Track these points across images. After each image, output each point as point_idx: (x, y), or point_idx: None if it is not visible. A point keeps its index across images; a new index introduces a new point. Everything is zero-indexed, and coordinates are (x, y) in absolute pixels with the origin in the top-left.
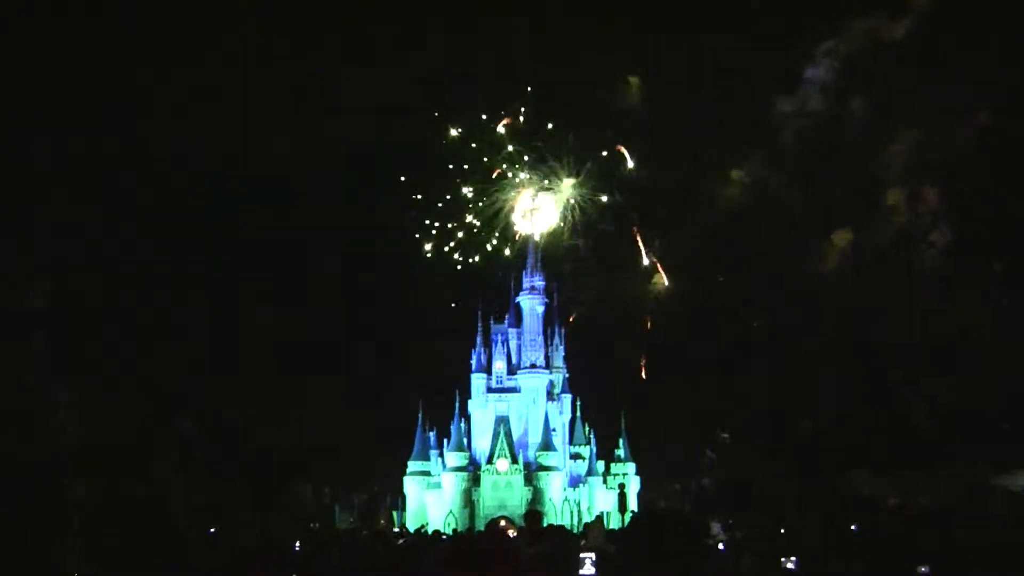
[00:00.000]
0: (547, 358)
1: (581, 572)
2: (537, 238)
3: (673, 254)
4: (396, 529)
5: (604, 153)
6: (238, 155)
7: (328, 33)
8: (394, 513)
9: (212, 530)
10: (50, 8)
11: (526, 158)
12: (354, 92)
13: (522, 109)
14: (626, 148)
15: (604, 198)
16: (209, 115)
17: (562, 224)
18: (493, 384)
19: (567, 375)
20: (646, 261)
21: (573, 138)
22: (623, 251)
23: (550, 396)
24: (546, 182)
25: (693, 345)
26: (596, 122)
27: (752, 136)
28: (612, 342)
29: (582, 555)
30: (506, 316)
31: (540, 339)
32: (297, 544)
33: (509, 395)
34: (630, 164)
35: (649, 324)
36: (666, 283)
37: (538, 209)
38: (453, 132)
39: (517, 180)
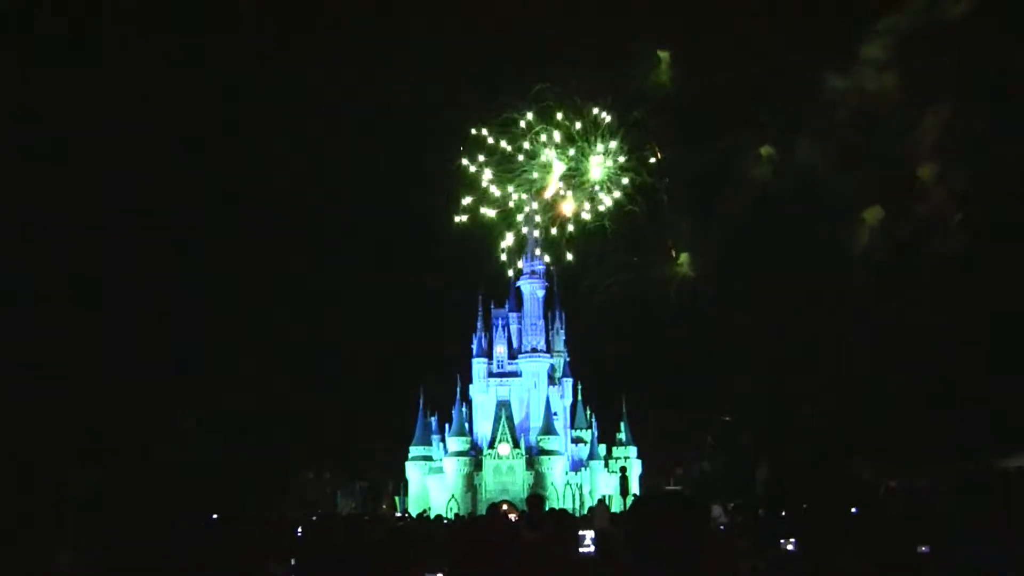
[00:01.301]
0: (548, 342)
1: (581, 550)
2: (558, 216)
3: (699, 239)
4: (398, 514)
5: (631, 130)
6: (239, 153)
7: (335, 26)
8: (396, 498)
9: (214, 517)
10: (50, 8)
11: (553, 137)
12: (359, 81)
13: (545, 88)
14: (654, 126)
15: (632, 178)
16: (213, 111)
17: (587, 205)
18: (494, 369)
19: (568, 359)
20: (671, 246)
21: (601, 117)
22: (649, 234)
23: (551, 380)
24: (570, 157)
25: (700, 330)
26: (624, 100)
27: (786, 113)
28: (629, 326)
29: (581, 532)
30: (506, 301)
31: (541, 323)
32: (299, 530)
33: (510, 379)
34: (658, 155)
35: (670, 310)
36: (691, 272)
37: (541, 193)
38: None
39: (543, 161)
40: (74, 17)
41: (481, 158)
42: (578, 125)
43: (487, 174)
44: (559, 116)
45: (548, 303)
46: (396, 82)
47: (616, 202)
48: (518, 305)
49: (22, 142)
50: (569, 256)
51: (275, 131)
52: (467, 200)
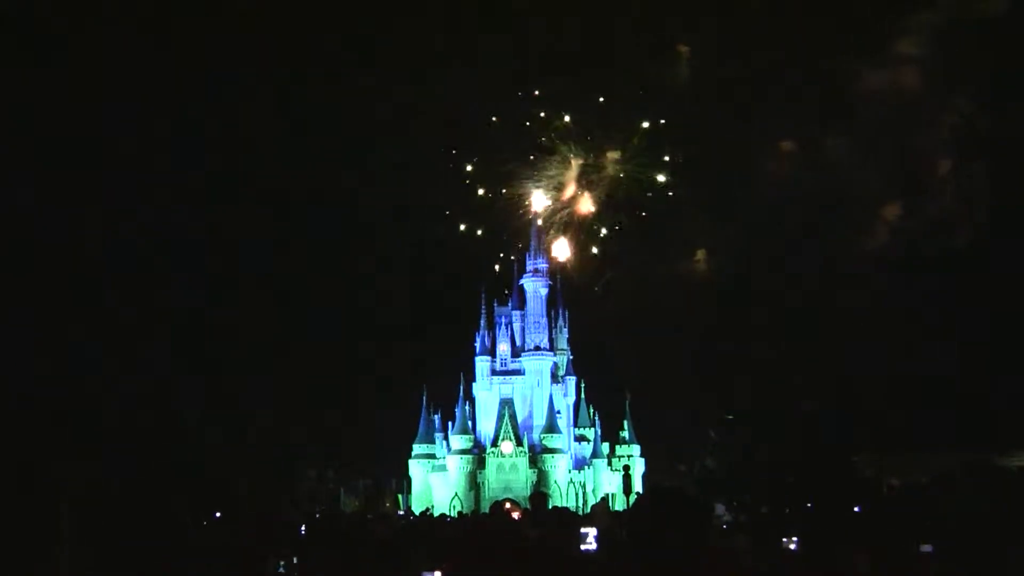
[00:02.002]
0: (551, 340)
1: (583, 548)
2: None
3: (716, 236)
4: (401, 512)
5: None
6: (238, 151)
7: (334, 26)
8: (399, 496)
9: (216, 515)
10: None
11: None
12: (364, 73)
13: (561, 81)
14: (672, 122)
15: (649, 174)
16: (214, 108)
17: (602, 200)
18: (497, 367)
19: (571, 357)
20: (688, 242)
21: (618, 112)
22: (665, 231)
23: (554, 378)
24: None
25: (702, 327)
26: (642, 95)
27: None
28: (633, 323)
29: (583, 530)
30: (509, 298)
31: (544, 321)
32: (302, 529)
33: (513, 377)
34: (677, 155)
35: (688, 307)
36: (707, 268)
37: (561, 193)
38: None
39: (555, 158)
40: (74, 17)
41: (480, 157)
42: (595, 112)
43: (479, 168)
44: (574, 111)
45: (551, 300)
46: (398, 81)
47: (632, 199)
48: (521, 303)
49: (22, 142)
50: (575, 251)
51: (276, 132)
52: (466, 210)
